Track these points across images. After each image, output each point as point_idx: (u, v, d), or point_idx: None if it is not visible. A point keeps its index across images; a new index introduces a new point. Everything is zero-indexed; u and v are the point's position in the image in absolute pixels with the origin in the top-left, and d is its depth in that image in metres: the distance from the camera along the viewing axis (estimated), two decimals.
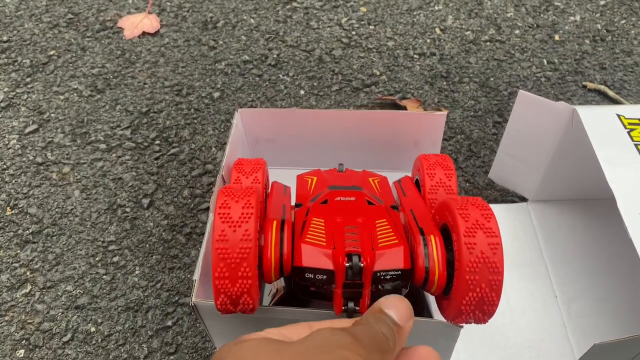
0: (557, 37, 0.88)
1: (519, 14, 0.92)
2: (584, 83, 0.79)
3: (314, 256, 0.37)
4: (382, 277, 0.37)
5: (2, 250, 0.63)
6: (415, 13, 0.93)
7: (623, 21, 0.90)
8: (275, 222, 0.39)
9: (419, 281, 0.39)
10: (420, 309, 0.49)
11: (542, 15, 0.92)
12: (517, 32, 0.89)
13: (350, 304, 0.37)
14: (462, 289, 0.36)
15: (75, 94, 0.81)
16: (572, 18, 0.91)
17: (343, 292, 0.37)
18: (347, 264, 0.36)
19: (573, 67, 0.83)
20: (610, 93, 0.77)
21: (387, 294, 0.38)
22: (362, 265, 0.35)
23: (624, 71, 0.82)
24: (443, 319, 0.41)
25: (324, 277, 0.37)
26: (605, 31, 0.88)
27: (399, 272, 0.37)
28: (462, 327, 0.41)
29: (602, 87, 0.78)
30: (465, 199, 0.40)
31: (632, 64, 0.83)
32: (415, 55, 0.86)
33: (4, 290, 0.60)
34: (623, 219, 0.44)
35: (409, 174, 0.57)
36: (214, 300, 0.37)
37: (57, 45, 0.89)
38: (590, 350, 0.41)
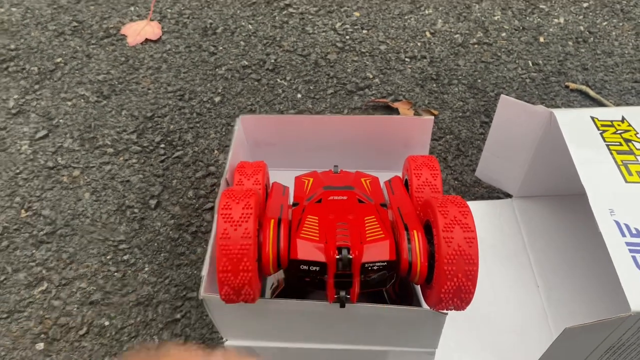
0: (541, 39, 0.92)
1: (505, 17, 0.96)
2: (566, 83, 0.83)
3: (308, 250, 0.41)
4: (369, 268, 0.41)
5: (18, 250, 0.67)
6: (406, 17, 0.97)
7: (605, 23, 0.94)
8: (273, 221, 0.44)
9: (403, 272, 0.43)
10: (410, 299, 0.53)
11: (527, 18, 0.96)
12: (503, 34, 0.93)
13: (342, 293, 0.41)
14: (442, 278, 0.41)
15: (82, 100, 0.85)
16: (556, 20, 0.95)
17: (335, 281, 0.41)
18: (338, 257, 0.40)
19: (556, 68, 0.87)
20: (592, 93, 0.81)
21: (375, 283, 0.42)
22: (351, 257, 0.40)
23: (605, 72, 0.86)
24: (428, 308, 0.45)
25: (317, 268, 0.41)
26: (587, 33, 0.92)
27: (385, 263, 0.41)
28: (446, 314, 0.45)
29: (584, 87, 0.82)
30: (445, 197, 0.44)
31: (613, 64, 0.87)
32: (406, 59, 0.90)
33: (22, 288, 0.64)
34: (594, 213, 0.48)
35: (400, 174, 0.61)
36: (219, 291, 0.41)
37: (63, 52, 0.93)
38: (562, 334, 0.45)
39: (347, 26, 0.96)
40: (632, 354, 0.50)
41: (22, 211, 0.71)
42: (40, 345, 0.59)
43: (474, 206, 0.69)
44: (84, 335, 0.60)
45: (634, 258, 0.45)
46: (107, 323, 0.61)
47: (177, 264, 0.65)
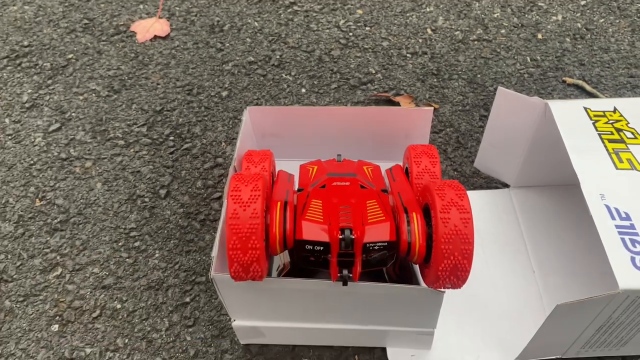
0: (540, 36, 0.94)
1: (504, 15, 0.98)
2: (563, 78, 0.86)
3: (313, 231, 0.44)
4: (371, 248, 0.44)
5: (33, 238, 0.70)
6: (408, 15, 1.00)
7: (602, 20, 0.96)
8: (279, 203, 0.46)
9: (403, 252, 0.45)
10: (410, 281, 0.55)
11: (526, 15, 0.98)
12: (502, 31, 0.95)
13: (345, 271, 0.44)
14: (439, 257, 0.43)
15: (93, 95, 0.87)
16: (554, 17, 0.97)
17: (338, 261, 0.43)
18: (341, 237, 0.42)
19: (554, 64, 0.89)
20: (588, 87, 0.83)
21: (375, 262, 0.45)
22: (353, 237, 0.42)
23: (601, 67, 0.88)
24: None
25: (321, 248, 0.44)
26: (585, 29, 0.95)
27: (386, 243, 0.44)
28: (444, 292, 0.48)
29: (580, 82, 0.84)
30: (443, 181, 0.47)
31: (609, 60, 0.89)
32: (408, 55, 0.92)
33: (38, 273, 0.67)
34: (586, 200, 0.51)
35: (400, 163, 0.63)
36: (229, 268, 0.44)
37: (75, 49, 0.95)
38: (554, 311, 0.47)
39: (351, 23, 0.98)
40: (622, 332, 0.53)
41: (37, 200, 0.74)
42: (55, 327, 0.62)
43: (473, 196, 0.72)
44: (97, 318, 0.63)
45: (622, 240, 0.48)
46: (119, 306, 0.63)
47: (186, 250, 0.68)
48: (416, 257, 0.45)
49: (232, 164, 0.57)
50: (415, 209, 0.46)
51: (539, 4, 1.00)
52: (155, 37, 0.97)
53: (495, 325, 0.61)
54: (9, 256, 0.68)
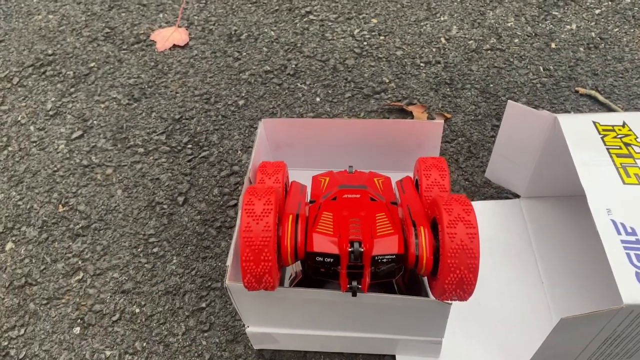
0: (553, 45, 0.94)
1: (518, 24, 0.99)
2: (576, 88, 0.86)
3: (323, 243, 0.46)
4: (379, 260, 0.45)
5: (56, 243, 0.73)
6: (422, 24, 1.01)
7: (616, 29, 0.96)
8: (291, 216, 0.48)
9: (410, 264, 0.47)
10: (419, 292, 0.57)
11: (540, 24, 0.99)
12: (516, 40, 0.96)
13: (354, 283, 0.45)
14: (445, 271, 0.44)
15: (114, 103, 0.90)
16: (568, 27, 0.98)
17: (347, 272, 0.45)
18: (350, 249, 0.44)
19: (567, 74, 0.90)
20: (601, 98, 0.84)
21: (384, 274, 0.46)
22: (362, 250, 0.44)
23: (615, 77, 0.88)
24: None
25: (331, 260, 0.45)
26: (599, 39, 0.95)
27: (394, 256, 0.45)
28: (450, 304, 0.49)
29: (593, 92, 0.84)
30: (451, 196, 0.48)
31: (623, 69, 0.89)
32: (421, 64, 0.93)
33: (60, 277, 0.69)
34: (592, 212, 0.51)
35: (411, 174, 0.65)
36: (242, 279, 0.46)
37: (97, 57, 0.98)
38: (558, 324, 0.48)
39: (365, 32, 1.00)
40: (628, 345, 0.53)
41: (60, 206, 0.77)
42: (77, 330, 0.65)
43: (484, 206, 0.73)
44: (117, 321, 0.65)
45: (627, 255, 0.48)
46: (137, 310, 0.66)
47: (203, 257, 0.70)
48: (424, 270, 0.47)
49: (247, 174, 0.59)
50: (423, 223, 0.48)
51: (554, 12, 1.01)
52: (175, 46, 1.00)
53: (503, 334, 0.62)
54: (34, 260, 0.71)
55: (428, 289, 0.56)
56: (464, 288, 0.45)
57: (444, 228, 0.45)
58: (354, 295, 0.46)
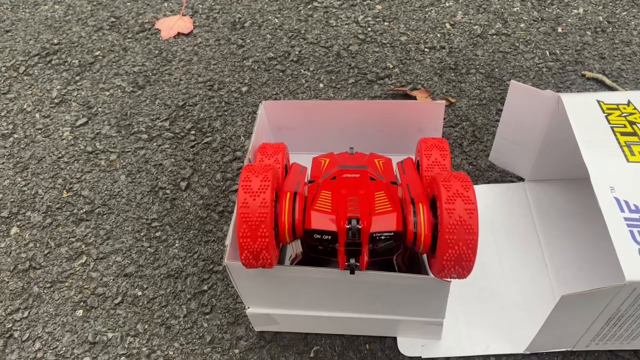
0: (560, 30, 0.93)
1: (524, 8, 0.98)
2: (583, 72, 0.85)
3: (321, 220, 0.45)
4: (377, 238, 0.45)
5: (60, 227, 0.73)
6: (427, 9, 1.00)
7: (624, 13, 0.95)
8: (289, 194, 0.48)
9: (409, 242, 0.46)
10: (418, 269, 0.56)
11: (546, 9, 0.97)
12: (522, 25, 0.95)
13: (352, 260, 0.45)
14: (443, 247, 0.44)
15: (119, 90, 0.90)
16: (575, 11, 0.96)
17: (345, 250, 0.45)
18: (348, 226, 0.44)
19: (574, 58, 0.88)
20: (608, 81, 0.82)
21: (382, 252, 0.46)
22: (360, 227, 0.44)
23: (622, 60, 0.87)
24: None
25: (329, 237, 0.45)
26: (606, 22, 0.94)
27: (392, 233, 0.45)
28: (449, 282, 0.49)
29: (600, 76, 0.83)
30: (450, 173, 0.48)
31: (630, 53, 0.88)
32: (426, 49, 0.93)
33: (64, 261, 0.70)
34: (595, 193, 0.51)
35: (413, 156, 0.64)
36: (239, 255, 0.46)
37: (102, 46, 0.98)
38: (559, 301, 0.48)
39: (369, 18, 0.99)
40: (632, 325, 0.53)
41: (64, 192, 0.77)
42: (80, 312, 0.65)
43: (488, 189, 0.72)
44: (119, 304, 0.65)
45: (631, 232, 0.48)
46: (139, 293, 0.66)
47: (205, 240, 0.70)
48: (422, 247, 0.46)
49: (246, 156, 0.59)
50: (422, 201, 0.47)
51: None
52: (179, 34, 1.00)
53: (506, 316, 0.61)
54: (38, 244, 0.71)
55: (428, 270, 0.56)
56: (462, 265, 0.45)
57: (442, 204, 0.44)
58: (352, 272, 0.46)
